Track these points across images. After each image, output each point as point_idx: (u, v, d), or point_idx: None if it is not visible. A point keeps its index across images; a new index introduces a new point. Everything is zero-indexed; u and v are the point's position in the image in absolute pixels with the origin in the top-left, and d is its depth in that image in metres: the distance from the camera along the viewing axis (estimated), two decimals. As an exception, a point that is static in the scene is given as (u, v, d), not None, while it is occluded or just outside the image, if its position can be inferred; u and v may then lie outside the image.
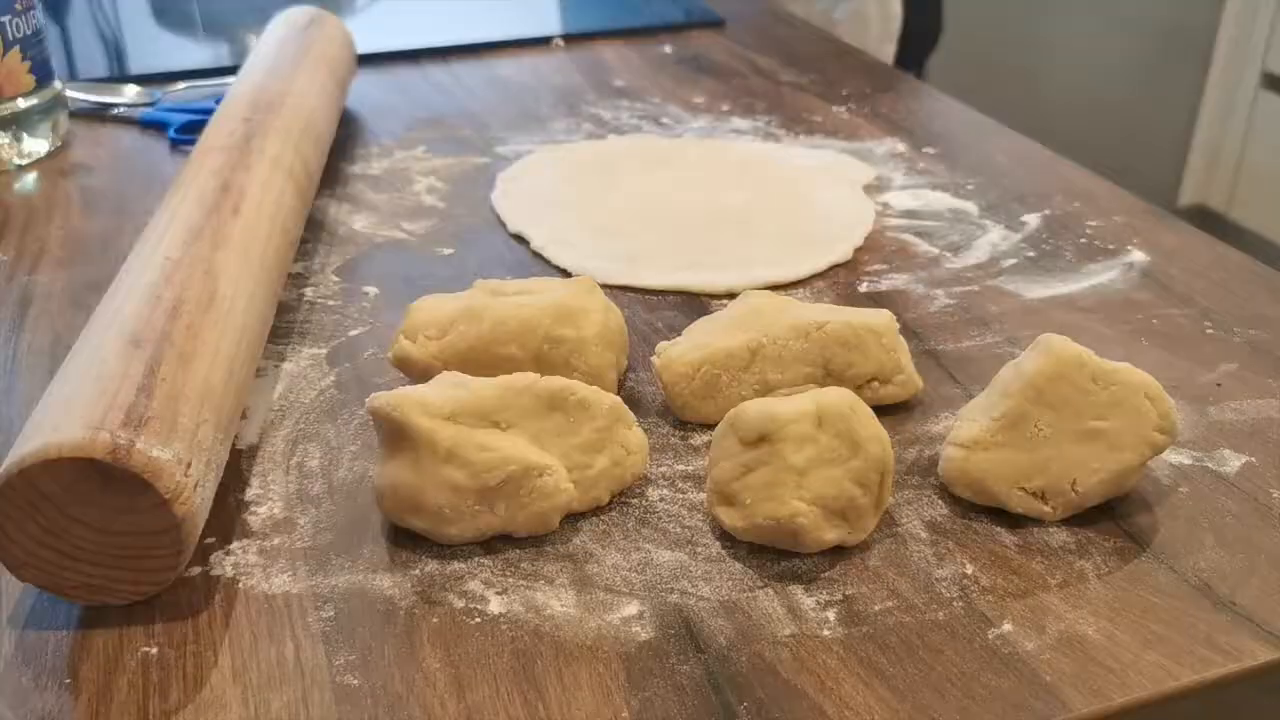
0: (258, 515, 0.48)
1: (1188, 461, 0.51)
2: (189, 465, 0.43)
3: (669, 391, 0.53)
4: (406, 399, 0.46)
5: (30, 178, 0.81)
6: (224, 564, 0.46)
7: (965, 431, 0.48)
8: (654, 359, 0.54)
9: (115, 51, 1.09)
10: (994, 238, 0.72)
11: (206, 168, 0.63)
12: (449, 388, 0.47)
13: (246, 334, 0.52)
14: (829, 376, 0.53)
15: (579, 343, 0.54)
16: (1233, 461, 0.51)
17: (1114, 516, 0.48)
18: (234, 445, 0.52)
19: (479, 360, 0.53)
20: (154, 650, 0.42)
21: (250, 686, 0.40)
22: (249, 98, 0.73)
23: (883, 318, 0.55)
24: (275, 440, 0.53)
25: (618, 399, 0.49)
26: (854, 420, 0.45)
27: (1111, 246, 0.71)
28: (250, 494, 0.50)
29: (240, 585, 0.45)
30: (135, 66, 1.02)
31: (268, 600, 0.44)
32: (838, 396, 0.46)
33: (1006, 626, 0.43)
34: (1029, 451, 0.47)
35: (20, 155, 0.83)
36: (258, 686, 0.40)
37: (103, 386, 0.44)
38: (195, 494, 0.43)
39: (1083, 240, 0.71)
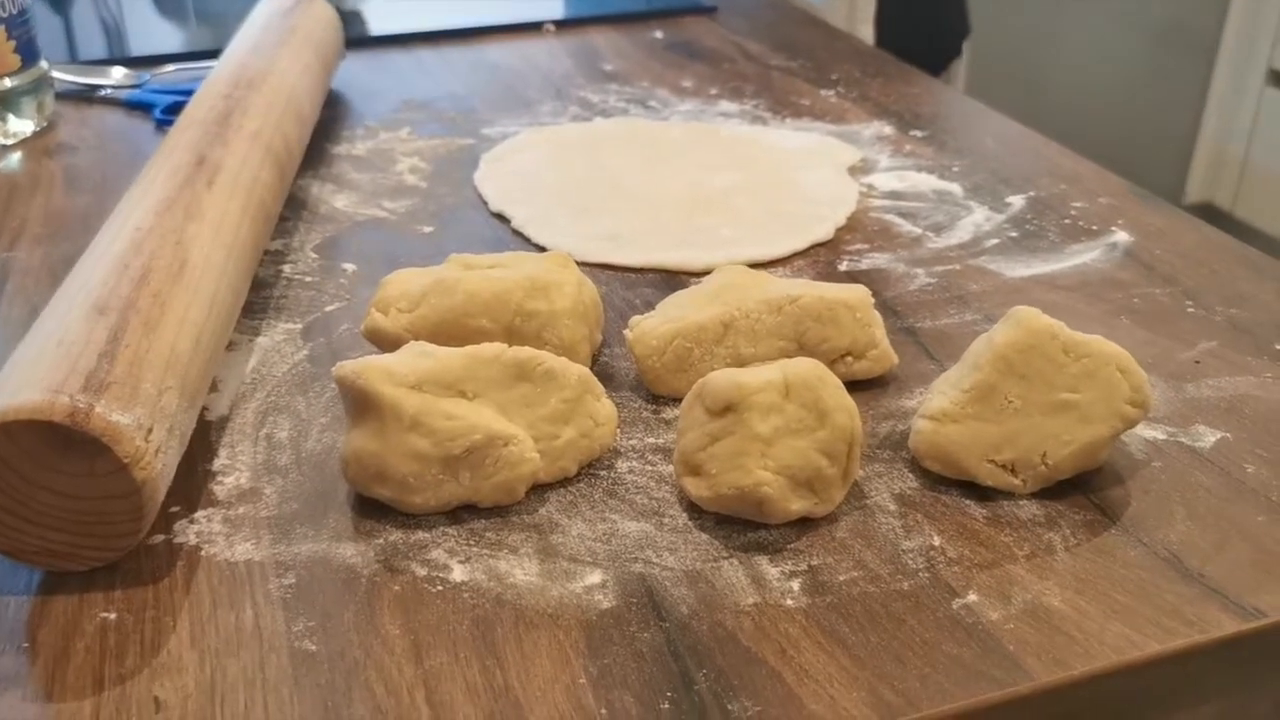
0: (224, 485, 0.48)
1: (1162, 437, 0.51)
2: (150, 430, 0.43)
3: (640, 365, 0.53)
4: (371, 367, 0.46)
5: (15, 157, 0.81)
6: (188, 532, 0.46)
7: (935, 404, 0.48)
8: (626, 332, 0.54)
9: (116, 36, 1.09)
10: (978, 218, 0.71)
11: (183, 142, 0.63)
12: (415, 357, 0.47)
13: (217, 305, 0.52)
14: (802, 350, 0.53)
15: (551, 316, 0.53)
16: (1208, 437, 0.51)
17: (1085, 490, 0.48)
18: (204, 416, 0.52)
19: (450, 333, 0.53)
20: (113, 615, 0.42)
21: (208, 651, 0.40)
22: (231, 75, 0.72)
23: (857, 292, 0.54)
24: (245, 412, 0.53)
25: (586, 370, 0.49)
26: (822, 390, 0.45)
27: (1095, 227, 0.70)
28: (218, 464, 0.49)
29: (203, 553, 0.45)
30: (135, 50, 1.02)
31: (229, 568, 0.44)
32: (806, 367, 0.46)
33: (971, 597, 0.42)
34: (999, 424, 0.47)
35: (5, 135, 0.83)
36: (215, 651, 0.40)
37: (65, 352, 0.44)
38: (156, 459, 0.43)
39: (1066, 221, 0.71)
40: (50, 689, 0.39)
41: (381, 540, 0.45)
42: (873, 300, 0.55)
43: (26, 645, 0.40)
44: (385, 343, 0.54)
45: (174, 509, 0.47)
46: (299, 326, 0.60)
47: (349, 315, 0.60)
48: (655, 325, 0.53)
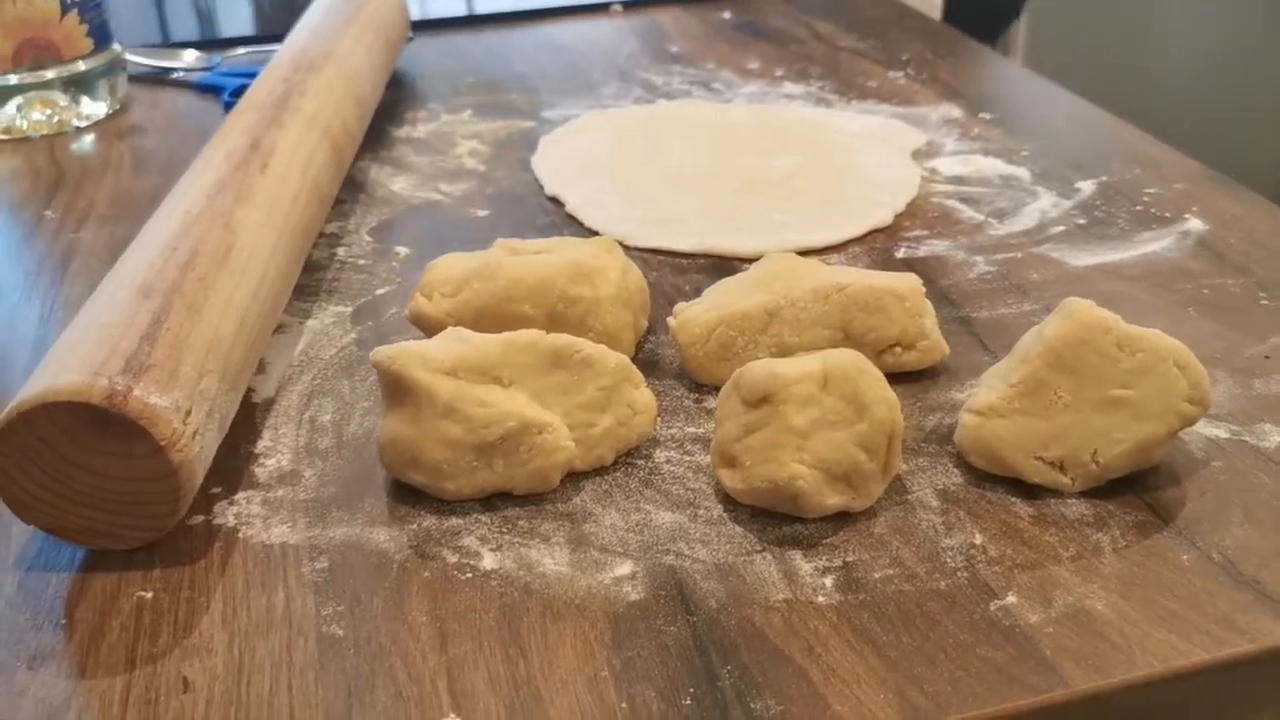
0: (265, 467, 0.49)
1: (1224, 435, 0.49)
2: (188, 413, 0.43)
3: (683, 353, 0.52)
4: (407, 352, 0.46)
5: (88, 139, 0.83)
6: (227, 514, 0.46)
7: (981, 398, 0.46)
8: (670, 319, 0.53)
9: (207, 18, 1.11)
10: (1044, 204, 0.69)
11: (240, 126, 0.63)
12: (451, 342, 0.47)
13: (264, 288, 0.53)
14: (848, 340, 0.52)
15: (594, 302, 0.53)
16: (1274, 436, 0.49)
17: (1138, 489, 0.46)
18: (250, 398, 0.53)
19: (492, 318, 0.53)
20: (149, 594, 0.42)
21: (238, 633, 0.40)
22: (292, 59, 0.73)
23: (908, 281, 0.53)
24: (291, 394, 0.53)
25: (624, 358, 0.48)
26: (861, 382, 0.44)
27: (1168, 214, 0.68)
28: (261, 446, 0.50)
29: (240, 535, 0.45)
30: (224, 33, 1.04)
31: (265, 550, 0.44)
32: (845, 358, 0.45)
33: (1010, 598, 0.41)
34: (1047, 419, 0.45)
35: (79, 117, 0.84)
36: (245, 633, 0.40)
37: (107, 334, 0.44)
38: (193, 442, 0.43)
39: (1138, 208, 0.68)
40: (84, 665, 0.39)
41: (415, 526, 0.45)
42: (924, 289, 0.53)
43: (64, 622, 0.41)
44: (429, 327, 0.54)
45: (215, 490, 0.47)
46: (349, 310, 0.60)
47: (398, 299, 0.61)
48: (699, 313, 0.52)
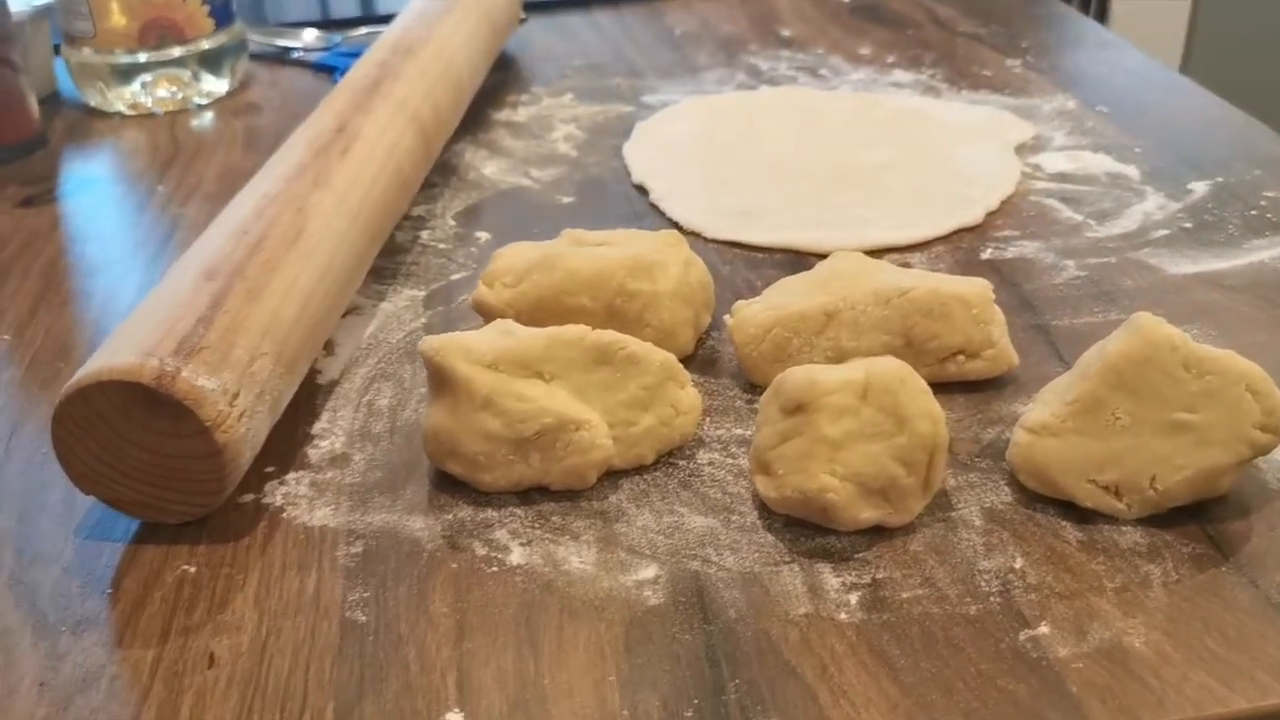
0: (319, 449, 0.50)
1: (1308, 465, 0.46)
2: (235, 395, 0.44)
3: (739, 352, 0.52)
4: (450, 344, 0.46)
5: (207, 116, 0.86)
6: (276, 493, 0.47)
7: (1035, 415, 0.44)
8: (726, 317, 0.52)
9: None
10: (1149, 206, 0.66)
11: (330, 109, 0.65)
12: (497, 335, 0.47)
13: (332, 272, 0.54)
14: (909, 346, 0.50)
15: (653, 297, 0.52)
16: (1364, 469, 0.45)
17: (1201, 519, 0.43)
18: (315, 379, 0.54)
19: (550, 310, 0.53)
20: (192, 569, 0.44)
21: (268, 612, 0.42)
22: (392, 42, 0.74)
23: (976, 286, 0.51)
24: (355, 377, 0.55)
25: (670, 356, 0.48)
26: (902, 394, 0.43)
27: (1285, 221, 0.63)
28: (318, 427, 0.51)
29: (285, 515, 0.46)
30: (384, 9, 1.06)
31: (305, 532, 0.45)
32: (890, 368, 0.43)
33: (1043, 629, 0.39)
34: (1104, 441, 0.43)
35: (200, 95, 0.88)
36: (274, 613, 0.42)
37: (165, 315, 0.46)
38: (240, 424, 0.44)
39: (1253, 213, 0.64)
40: (122, 634, 0.41)
41: (451, 516, 0.46)
42: (993, 295, 0.51)
43: (110, 591, 0.43)
44: (490, 315, 0.54)
45: (269, 469, 0.49)
46: (422, 294, 0.61)
47: (471, 285, 0.61)
48: (756, 312, 0.51)
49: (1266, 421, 0.42)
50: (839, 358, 0.50)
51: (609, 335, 0.47)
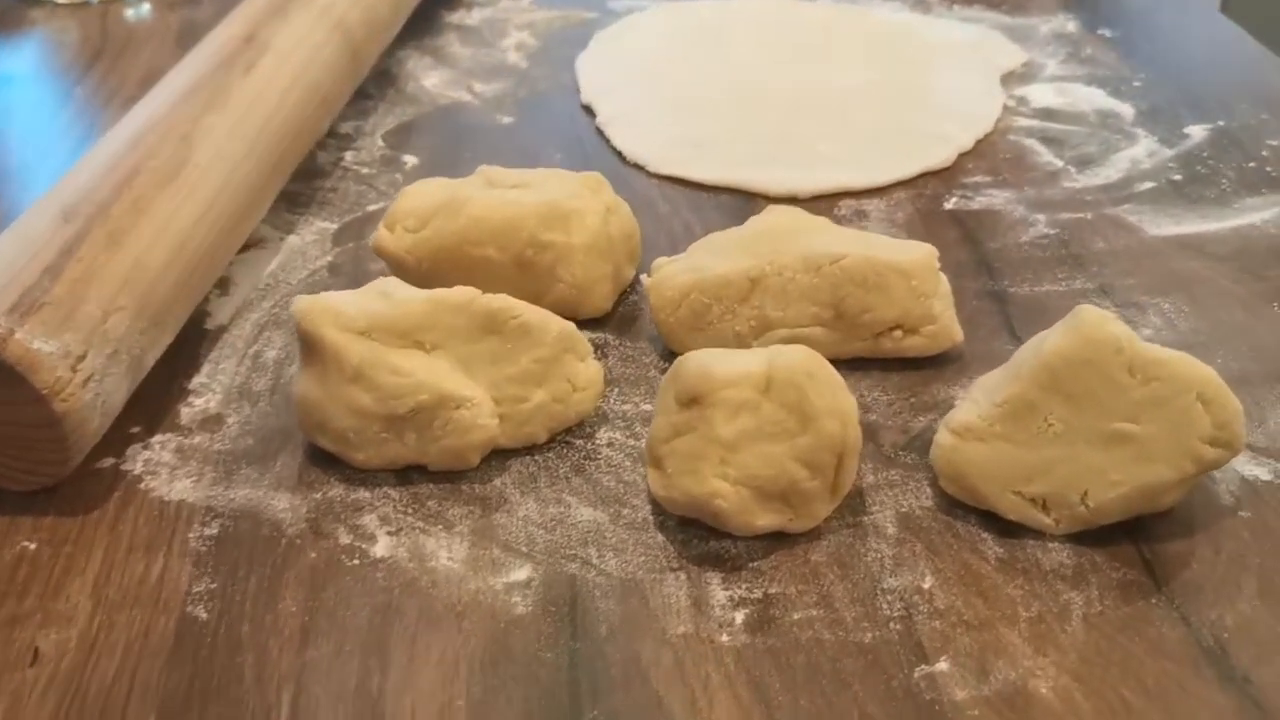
0: (193, 407, 0.46)
1: (1266, 476, 0.41)
2: (81, 358, 0.40)
3: (655, 317, 0.47)
4: (319, 307, 0.42)
5: (145, 7, 0.80)
6: (138, 459, 0.44)
7: (961, 415, 0.40)
8: (643, 276, 0.48)
9: None
10: (1139, 152, 0.60)
11: (242, 14, 0.59)
12: (374, 297, 0.43)
13: (217, 209, 0.49)
14: (840, 319, 0.45)
15: (566, 249, 0.48)
16: (1328, 484, 0.41)
17: (1138, 537, 0.39)
18: (203, 323, 0.50)
19: (454, 260, 0.48)
20: (33, 545, 0.40)
21: (103, 602, 0.38)
22: (327, -64, 0.68)
23: (918, 254, 0.46)
24: (245, 322, 0.50)
25: (568, 326, 0.43)
26: (810, 389, 0.38)
27: (1286, 175, 0.57)
28: (196, 381, 0.47)
29: (142, 485, 0.42)
30: None
31: (160, 508, 0.42)
32: (797, 358, 0.39)
33: (942, 665, 0.35)
34: (1033, 449, 0.38)
35: (137, -18, 0.82)
36: (111, 604, 0.38)
37: (8, 264, 0.42)
38: (85, 389, 0.40)
39: (1251, 164, 0.58)
40: (-55, 621, 0.38)
41: (320, 495, 0.42)
42: (938, 264, 0.46)
43: (-59, 569, 0.40)
44: (390, 263, 0.50)
45: (134, 430, 0.45)
46: (334, 226, 0.57)
47: (386, 218, 0.56)
48: (675, 273, 0.47)
49: (1217, 435, 0.38)
50: (762, 329, 0.46)
51: (499, 301, 0.42)
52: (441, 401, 0.41)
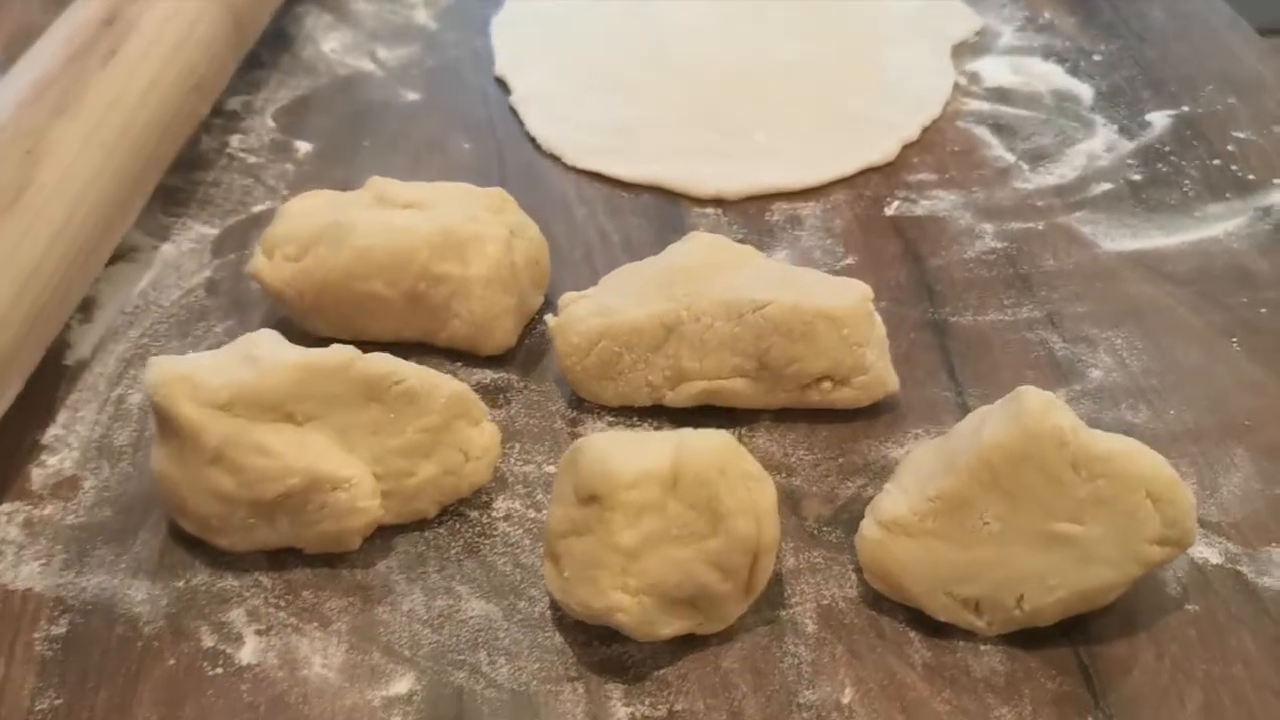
0: (45, 468, 0.41)
1: (1216, 559, 0.38)
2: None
3: (562, 364, 0.42)
4: (175, 376, 0.37)
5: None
6: (-20, 535, 0.39)
7: (890, 505, 0.36)
8: (549, 317, 0.43)
9: None
10: (1096, 145, 0.55)
11: (107, -13, 0.53)
12: (238, 362, 0.38)
13: (69, 233, 0.44)
14: (764, 370, 0.41)
15: (462, 283, 0.43)
16: (1282, 569, 0.38)
17: (1076, 638, 0.36)
18: (61, 358, 0.45)
19: (337, 295, 0.44)
20: None
21: (-67, 723, 0.34)
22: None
23: (851, 298, 0.41)
24: (109, 357, 0.45)
25: (461, 389, 0.39)
26: (721, 485, 0.34)
27: (1252, 177, 0.53)
28: (50, 435, 0.42)
29: (-16, 570, 0.38)
30: None
31: (4, 599, 0.37)
32: (709, 448, 0.34)
33: (859, 803, 0.32)
34: (967, 549, 0.35)
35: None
36: (-59, 725, 0.34)
37: None
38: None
39: (1215, 162, 0.54)
40: None
41: (182, 583, 0.38)
42: (871, 306, 0.42)
43: None
44: (270, 293, 0.45)
45: (-22, 497, 0.40)
46: (215, 232, 0.51)
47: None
48: (584, 315, 0.42)
49: (1166, 534, 0.34)
50: (678, 379, 0.42)
51: (381, 366, 0.38)
52: (315, 484, 0.37)
